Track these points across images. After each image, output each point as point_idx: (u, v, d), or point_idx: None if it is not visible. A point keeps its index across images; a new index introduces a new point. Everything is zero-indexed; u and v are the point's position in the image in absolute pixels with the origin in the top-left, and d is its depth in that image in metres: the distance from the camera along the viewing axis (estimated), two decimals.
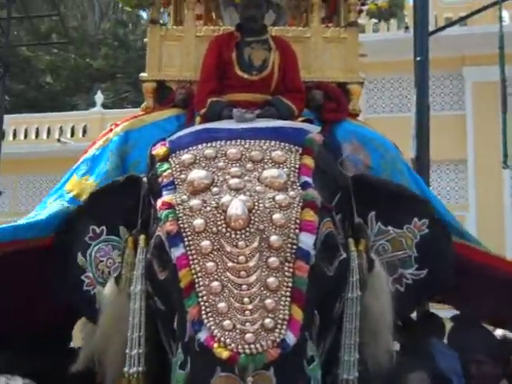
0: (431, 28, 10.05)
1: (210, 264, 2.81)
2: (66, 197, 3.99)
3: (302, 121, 4.02)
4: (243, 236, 2.87)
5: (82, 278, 3.47)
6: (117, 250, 3.45)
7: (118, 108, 21.59)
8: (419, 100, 8.23)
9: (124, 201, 3.47)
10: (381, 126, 5.09)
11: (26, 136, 19.49)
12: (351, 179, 3.47)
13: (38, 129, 19.48)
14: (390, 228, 3.47)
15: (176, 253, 2.89)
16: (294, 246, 2.87)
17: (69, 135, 19.14)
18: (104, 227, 3.48)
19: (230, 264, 2.80)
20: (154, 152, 3.43)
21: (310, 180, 3.16)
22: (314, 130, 3.56)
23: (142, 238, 3.22)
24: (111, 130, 4.36)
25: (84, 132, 19.15)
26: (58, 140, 18.68)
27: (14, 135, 19.47)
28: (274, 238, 2.86)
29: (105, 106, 20.30)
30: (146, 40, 4.94)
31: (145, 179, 3.45)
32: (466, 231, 4.28)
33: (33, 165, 18.18)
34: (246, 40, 4.37)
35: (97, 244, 3.47)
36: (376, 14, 4.75)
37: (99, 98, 19.89)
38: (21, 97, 26.37)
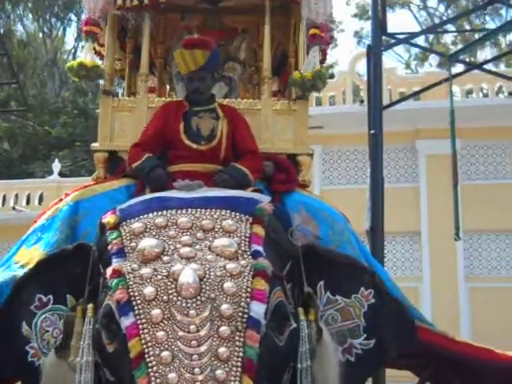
0: (385, 102, 10.32)
1: (160, 333, 2.79)
2: (13, 267, 3.93)
3: (252, 190, 4.07)
4: (194, 305, 2.86)
5: (27, 348, 3.39)
6: (63, 319, 3.35)
7: (76, 176, 21.46)
8: (373, 172, 8.37)
9: (72, 269, 3.43)
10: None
11: None
12: (301, 249, 3.51)
13: None
14: (338, 297, 3.51)
15: (126, 322, 2.86)
16: (245, 315, 2.87)
17: (24, 203, 18.92)
18: (51, 296, 3.43)
19: (180, 333, 2.79)
20: (104, 220, 3.42)
21: (260, 249, 3.18)
22: (265, 200, 3.60)
23: (90, 307, 3.18)
24: (61, 199, 4.35)
25: (40, 200, 18.94)
26: (13, 208, 18.43)
27: None
28: (225, 306, 2.86)
29: (62, 174, 20.18)
30: (98, 111, 4.98)
31: (94, 248, 3.42)
32: (416, 310, 4.30)
33: None
34: (193, 110, 4.46)
35: (43, 313, 3.41)
36: (299, 83, 4.89)
37: (56, 166, 19.78)
38: None
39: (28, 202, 19.00)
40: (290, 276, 3.32)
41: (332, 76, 18.01)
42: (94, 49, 5.16)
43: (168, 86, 6.11)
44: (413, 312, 4.14)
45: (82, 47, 4.97)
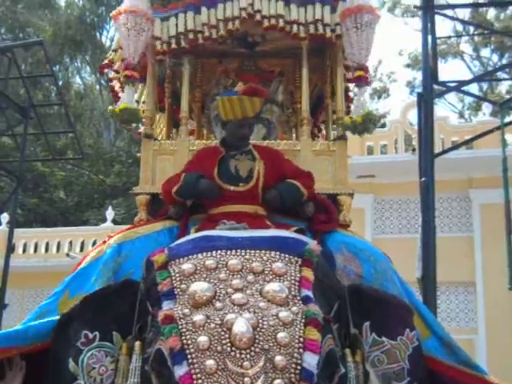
0: (438, 151, 10.26)
1: None
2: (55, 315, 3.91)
3: (296, 230, 4.06)
4: (248, 356, 2.83)
5: None
6: (109, 356, 3.36)
7: (128, 223, 21.69)
8: (425, 220, 8.29)
9: (118, 306, 3.42)
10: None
11: (35, 250, 19.57)
12: (347, 289, 3.48)
13: (47, 243, 19.58)
14: (384, 339, 3.46)
15: (179, 371, 2.82)
16: (299, 367, 2.83)
17: (78, 250, 19.19)
18: (97, 333, 3.40)
19: None
20: (152, 258, 3.40)
21: (310, 294, 3.15)
22: (312, 241, 3.58)
23: (137, 344, 3.17)
24: (105, 241, 4.38)
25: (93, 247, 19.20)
26: (67, 254, 18.71)
27: (24, 249, 19.55)
28: (278, 358, 2.83)
29: (115, 221, 20.46)
30: (139, 154, 5.05)
31: (142, 285, 3.43)
32: (462, 351, 4.20)
33: (40, 278, 18.15)
34: (230, 153, 4.49)
35: (89, 350, 3.38)
36: (351, 127, 4.97)
37: (110, 213, 20.08)
38: (33, 211, 26.68)
39: (82, 249, 19.28)
40: (337, 316, 3.29)
41: (384, 125, 18.01)
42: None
43: (205, 129, 6.17)
44: (459, 353, 4.04)
45: (116, 105, 5.07)
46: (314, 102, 5.73)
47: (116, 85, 5.61)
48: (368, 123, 4.80)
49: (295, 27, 4.97)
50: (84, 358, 3.37)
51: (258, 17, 4.96)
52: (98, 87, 35.63)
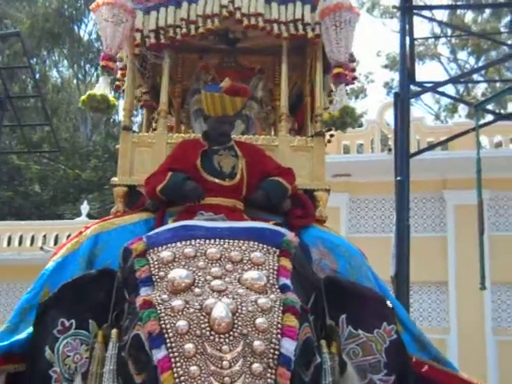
0: (413, 151, 10.35)
1: (193, 368, 2.78)
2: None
3: (273, 224, 4.08)
4: (227, 340, 2.86)
5: (50, 372, 3.38)
6: (84, 344, 3.37)
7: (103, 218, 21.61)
8: (399, 218, 8.37)
9: (95, 294, 3.44)
10: (363, 245, 5.16)
11: (9, 243, 19.42)
12: (323, 281, 3.51)
13: (21, 236, 19.43)
14: (360, 332, 3.50)
15: (158, 355, 2.84)
16: (277, 352, 2.87)
17: (52, 243, 19.07)
18: (73, 320, 3.42)
19: (213, 368, 2.78)
20: (130, 246, 3.41)
21: (288, 282, 3.19)
22: (289, 233, 3.62)
23: (114, 332, 3.18)
24: (81, 232, 4.38)
25: None
26: (41, 248, 18.58)
27: None
28: (257, 343, 2.86)
29: (90, 216, 20.34)
30: (117, 146, 5.06)
31: (119, 273, 3.44)
32: (433, 347, 4.25)
33: (14, 272, 18.01)
34: (213, 148, 4.52)
35: (65, 338, 3.40)
36: (330, 123, 5.02)
37: (85, 208, 19.98)
38: (7, 204, 26.48)
39: (56, 243, 19.16)
40: (313, 308, 3.32)
41: (361, 125, 18.11)
42: (117, 82, 5.36)
43: (184, 124, 6.18)
44: (430, 349, 4.10)
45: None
46: (293, 100, 5.78)
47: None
48: (345, 117, 4.84)
49: (276, 27, 5.01)
50: (60, 346, 3.38)
51: (238, 15, 4.98)
52: (75, 81, 35.42)
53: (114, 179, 4.92)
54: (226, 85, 4.52)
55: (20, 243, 19.41)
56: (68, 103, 34.49)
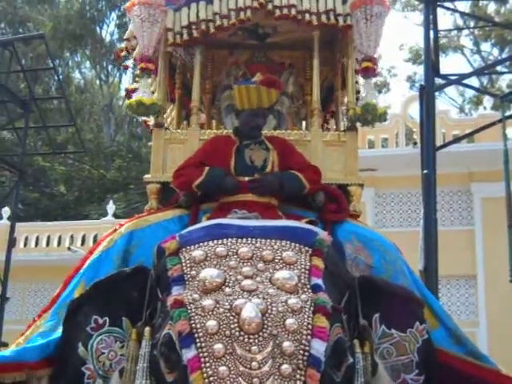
0: (439, 144, 10.28)
1: (222, 368, 2.78)
2: None
3: (307, 222, 4.07)
4: (256, 341, 2.85)
5: (83, 369, 3.39)
6: (119, 342, 3.39)
7: (129, 218, 21.72)
8: (427, 212, 8.32)
9: (129, 292, 3.44)
10: (390, 239, 5.15)
11: (36, 244, 19.59)
12: (357, 280, 3.49)
13: (49, 237, 19.59)
14: (394, 331, 3.46)
15: (188, 354, 2.85)
16: (306, 353, 2.85)
17: (79, 244, 19.21)
18: (107, 318, 3.42)
19: (242, 369, 2.77)
20: (163, 245, 3.42)
21: (320, 282, 3.17)
22: (322, 232, 3.60)
23: (147, 330, 3.18)
24: (115, 230, 4.39)
25: (94, 241, 19.20)
26: (69, 248, 18.73)
27: (25, 243, 19.58)
28: (286, 344, 2.84)
29: (116, 215, 20.46)
30: (150, 143, 5.07)
31: (152, 271, 3.45)
32: (469, 342, 4.21)
33: (42, 272, 18.17)
34: (244, 143, 4.51)
35: (99, 335, 3.41)
36: (354, 119, 5.05)
37: (111, 207, 20.09)
38: (34, 205, 26.71)
39: (83, 243, 19.30)
40: (347, 307, 3.30)
41: (385, 119, 17.99)
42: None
43: (215, 121, 6.19)
44: (466, 343, 4.06)
45: (133, 97, 5.05)
46: (324, 95, 5.74)
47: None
48: (366, 114, 4.81)
49: (307, 16, 4.98)
50: (93, 343, 3.39)
51: (269, 6, 4.97)
52: (98, 82, 35.62)
53: (147, 176, 4.94)
54: (261, 77, 4.52)
55: (47, 244, 19.60)
56: (91, 104, 34.72)
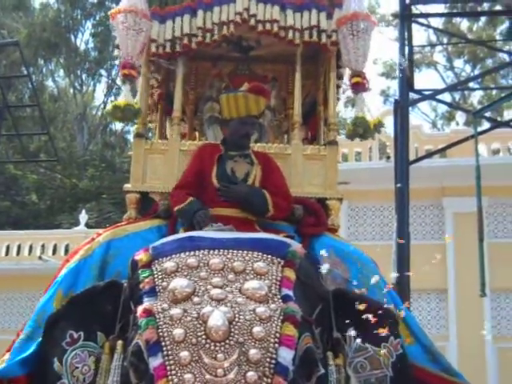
0: (412, 159, 10.36)
1: (187, 376, 2.79)
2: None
3: (285, 237, 4.07)
4: (222, 348, 2.86)
5: None
6: (93, 356, 3.40)
7: (102, 228, 21.56)
8: (399, 225, 8.37)
9: (103, 306, 3.47)
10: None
11: (7, 253, 19.36)
12: (331, 293, 3.50)
13: (19, 246, 19.36)
14: (368, 345, 3.48)
15: (154, 362, 2.87)
16: (273, 361, 2.86)
17: (50, 253, 19.02)
18: (82, 332, 3.45)
19: (207, 376, 2.79)
20: (136, 258, 3.44)
21: (290, 293, 3.19)
22: (295, 243, 3.61)
23: (119, 343, 3.20)
24: (93, 239, 4.38)
25: (66, 250, 19.04)
26: (40, 257, 18.54)
27: None
28: (253, 351, 2.86)
29: (88, 225, 20.29)
30: (130, 153, 5.07)
31: (126, 285, 3.45)
32: (443, 358, 4.24)
33: (12, 281, 17.96)
34: (229, 154, 4.51)
35: (73, 350, 3.42)
36: (348, 134, 5.10)
37: (83, 217, 19.92)
38: (5, 214, 26.42)
39: (54, 252, 19.11)
40: (320, 320, 3.32)
41: (381, 127, 18.03)
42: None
43: (198, 132, 6.20)
44: (441, 360, 4.09)
45: (111, 102, 5.06)
46: (306, 109, 5.78)
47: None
48: (357, 128, 4.85)
49: (290, 33, 5.00)
50: (68, 358, 3.42)
51: (252, 21, 4.99)
52: (71, 90, 35.44)
53: (127, 186, 4.94)
54: (248, 86, 4.54)
55: (18, 253, 19.35)
56: (65, 112, 34.52)
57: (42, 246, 19.25)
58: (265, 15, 4.99)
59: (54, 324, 3.53)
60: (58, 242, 19.31)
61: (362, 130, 4.86)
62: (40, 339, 3.65)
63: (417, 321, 4.48)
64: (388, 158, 15.62)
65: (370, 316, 3.49)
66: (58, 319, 3.54)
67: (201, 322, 2.94)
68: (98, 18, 34.36)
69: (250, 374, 2.81)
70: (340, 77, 5.49)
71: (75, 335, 3.44)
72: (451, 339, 15.02)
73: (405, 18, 9.46)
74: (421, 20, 10.99)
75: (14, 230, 21.67)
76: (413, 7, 10.02)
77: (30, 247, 19.31)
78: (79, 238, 18.72)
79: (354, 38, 4.87)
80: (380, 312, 3.58)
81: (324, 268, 3.69)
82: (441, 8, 18.26)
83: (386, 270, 8.23)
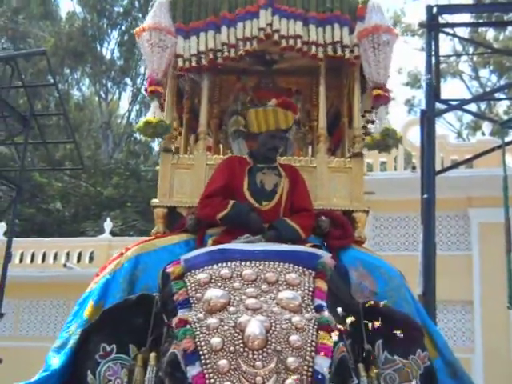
0: (438, 169, 10.30)
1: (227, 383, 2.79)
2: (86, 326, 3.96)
3: (311, 246, 4.08)
4: (261, 356, 2.90)
5: None
6: (125, 368, 3.44)
7: (126, 236, 21.71)
8: (426, 236, 8.32)
9: (135, 319, 3.51)
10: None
11: (32, 260, 19.50)
12: (361, 305, 3.50)
13: (44, 253, 19.50)
14: (396, 357, 3.49)
15: (192, 371, 2.89)
16: (310, 369, 2.90)
17: (75, 261, 19.14)
18: (114, 345, 3.50)
19: None
20: (168, 270, 3.48)
21: (323, 303, 3.22)
22: (326, 255, 3.62)
23: (152, 355, 3.23)
24: (122, 253, 4.41)
25: (91, 258, 19.17)
26: (64, 265, 18.65)
27: (21, 259, 19.49)
28: (291, 359, 2.89)
29: (113, 233, 20.41)
30: (158, 167, 5.09)
31: (157, 297, 3.48)
32: (466, 374, 4.21)
33: (37, 289, 18.08)
34: (258, 166, 4.52)
35: (106, 362, 3.48)
36: (373, 146, 5.07)
37: (108, 225, 20.01)
38: (30, 221, 26.64)
39: (79, 260, 19.22)
40: (351, 332, 3.31)
41: (400, 142, 18.00)
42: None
43: (222, 145, 6.22)
44: (463, 377, 4.06)
45: (136, 111, 5.11)
46: (330, 120, 5.78)
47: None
48: (388, 139, 4.84)
49: (314, 48, 5.00)
50: (101, 371, 3.48)
51: (275, 37, 5.00)
52: (96, 99, 35.73)
53: (154, 200, 4.97)
54: (277, 100, 4.56)
55: (43, 260, 19.49)
56: (90, 121, 34.84)
57: (67, 253, 19.36)
58: (288, 30, 5.00)
59: (88, 337, 3.60)
60: (82, 250, 19.42)
61: (392, 141, 4.85)
62: (70, 349, 3.69)
63: (442, 335, 4.46)
64: (414, 168, 15.54)
65: (398, 328, 3.48)
66: (91, 333, 3.61)
67: (238, 330, 2.97)
68: (123, 28, 34.67)
69: (288, 381, 2.86)
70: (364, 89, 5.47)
71: (108, 348, 3.50)
72: (477, 352, 14.87)
73: (432, 28, 9.42)
74: (447, 29, 10.90)
75: (39, 237, 21.83)
76: (439, 17, 9.96)
77: (55, 255, 19.43)
78: (104, 245, 18.91)
79: (375, 50, 4.86)
80: (407, 324, 3.58)
81: (353, 280, 3.68)
82: (467, 17, 18.18)
83: (411, 281, 8.18)
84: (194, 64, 5.07)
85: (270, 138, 4.56)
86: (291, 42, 5.00)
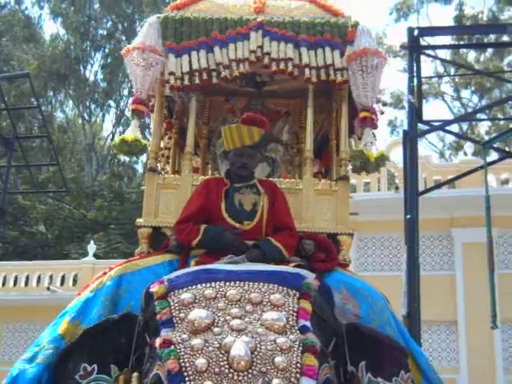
0: (421, 189, 10.35)
1: None
2: (58, 342, 3.93)
3: (296, 265, 4.08)
4: (246, 378, 2.86)
5: None
6: None
7: (110, 258, 21.60)
8: (410, 256, 8.33)
9: (117, 339, 3.46)
10: (371, 284, 5.18)
11: (15, 283, 19.36)
12: (345, 327, 3.50)
13: (27, 276, 19.37)
14: (379, 380, 3.48)
15: None
16: None
17: (58, 284, 19.01)
18: (95, 365, 3.44)
19: None
20: (151, 290, 3.44)
21: (308, 324, 3.20)
22: (310, 276, 3.61)
23: (134, 375, 3.18)
24: (105, 273, 4.38)
25: (74, 281, 19.05)
26: (48, 288, 18.52)
27: (4, 282, 19.35)
28: (276, 381, 2.86)
29: (96, 255, 20.31)
30: (143, 188, 5.08)
31: (140, 317, 3.45)
32: None
33: (20, 312, 17.94)
34: (235, 186, 4.52)
35: (87, 383, 3.41)
36: (359, 167, 5.08)
37: (92, 247, 19.94)
38: (13, 244, 26.48)
39: (62, 283, 19.10)
40: (334, 353, 3.31)
41: (383, 161, 18.08)
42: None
43: (210, 166, 6.22)
44: None
45: (120, 133, 5.10)
46: (319, 143, 5.77)
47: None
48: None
49: (307, 71, 4.99)
50: None
51: (266, 60, 5.00)
52: (80, 121, 35.69)
53: (139, 220, 4.93)
54: (244, 116, 4.56)
55: (26, 283, 19.36)
56: (73, 143, 34.77)
57: (50, 276, 19.26)
58: (279, 53, 4.98)
59: (67, 356, 3.53)
60: (66, 273, 19.32)
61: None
62: (41, 366, 3.65)
63: (426, 357, 4.45)
64: (397, 188, 15.62)
65: (381, 350, 3.49)
66: (71, 352, 3.54)
67: (223, 351, 2.94)
68: (107, 50, 34.74)
69: None
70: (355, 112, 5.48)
71: (89, 368, 3.44)
72: (462, 372, 14.88)
73: (413, 50, 9.50)
74: (428, 51, 11.01)
75: (22, 260, 21.69)
76: (420, 39, 10.06)
77: (38, 278, 19.31)
78: (87, 268, 18.80)
79: (364, 73, 4.86)
80: (390, 346, 3.58)
81: (337, 303, 3.68)
82: (448, 39, 18.37)
83: (395, 301, 8.20)
84: (186, 83, 5.07)
85: (238, 155, 4.54)
86: (282, 64, 4.98)
